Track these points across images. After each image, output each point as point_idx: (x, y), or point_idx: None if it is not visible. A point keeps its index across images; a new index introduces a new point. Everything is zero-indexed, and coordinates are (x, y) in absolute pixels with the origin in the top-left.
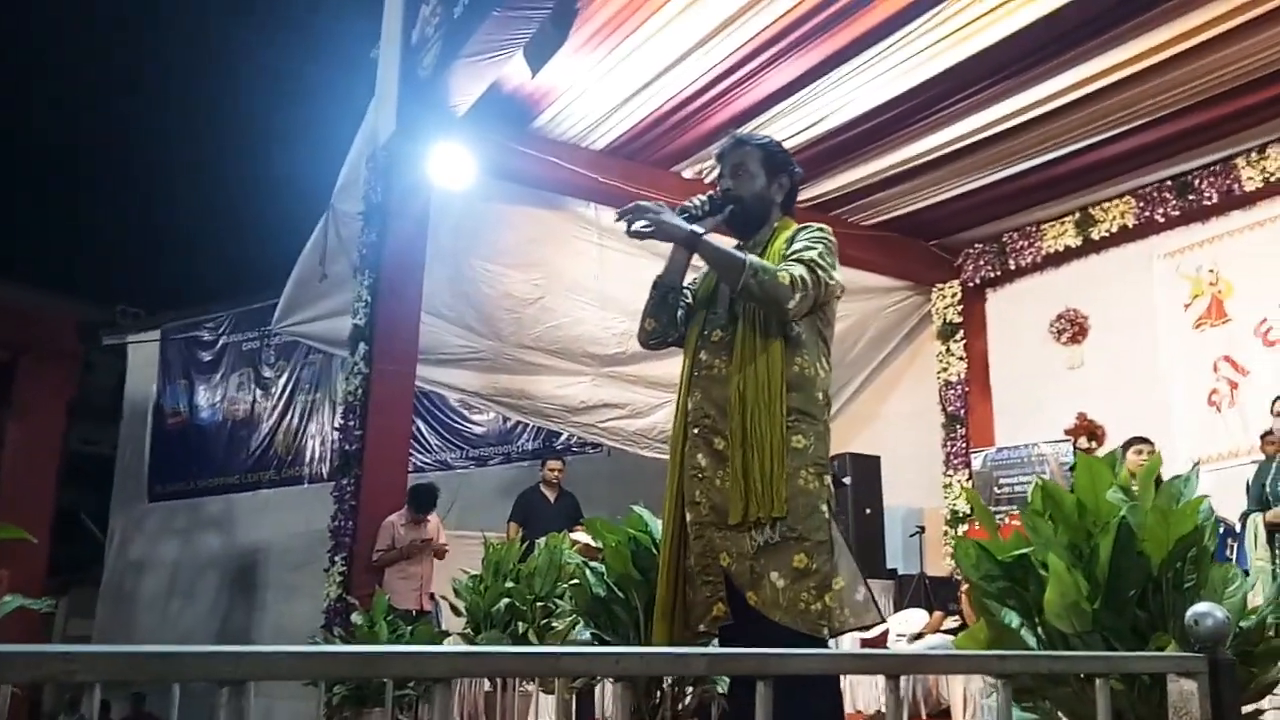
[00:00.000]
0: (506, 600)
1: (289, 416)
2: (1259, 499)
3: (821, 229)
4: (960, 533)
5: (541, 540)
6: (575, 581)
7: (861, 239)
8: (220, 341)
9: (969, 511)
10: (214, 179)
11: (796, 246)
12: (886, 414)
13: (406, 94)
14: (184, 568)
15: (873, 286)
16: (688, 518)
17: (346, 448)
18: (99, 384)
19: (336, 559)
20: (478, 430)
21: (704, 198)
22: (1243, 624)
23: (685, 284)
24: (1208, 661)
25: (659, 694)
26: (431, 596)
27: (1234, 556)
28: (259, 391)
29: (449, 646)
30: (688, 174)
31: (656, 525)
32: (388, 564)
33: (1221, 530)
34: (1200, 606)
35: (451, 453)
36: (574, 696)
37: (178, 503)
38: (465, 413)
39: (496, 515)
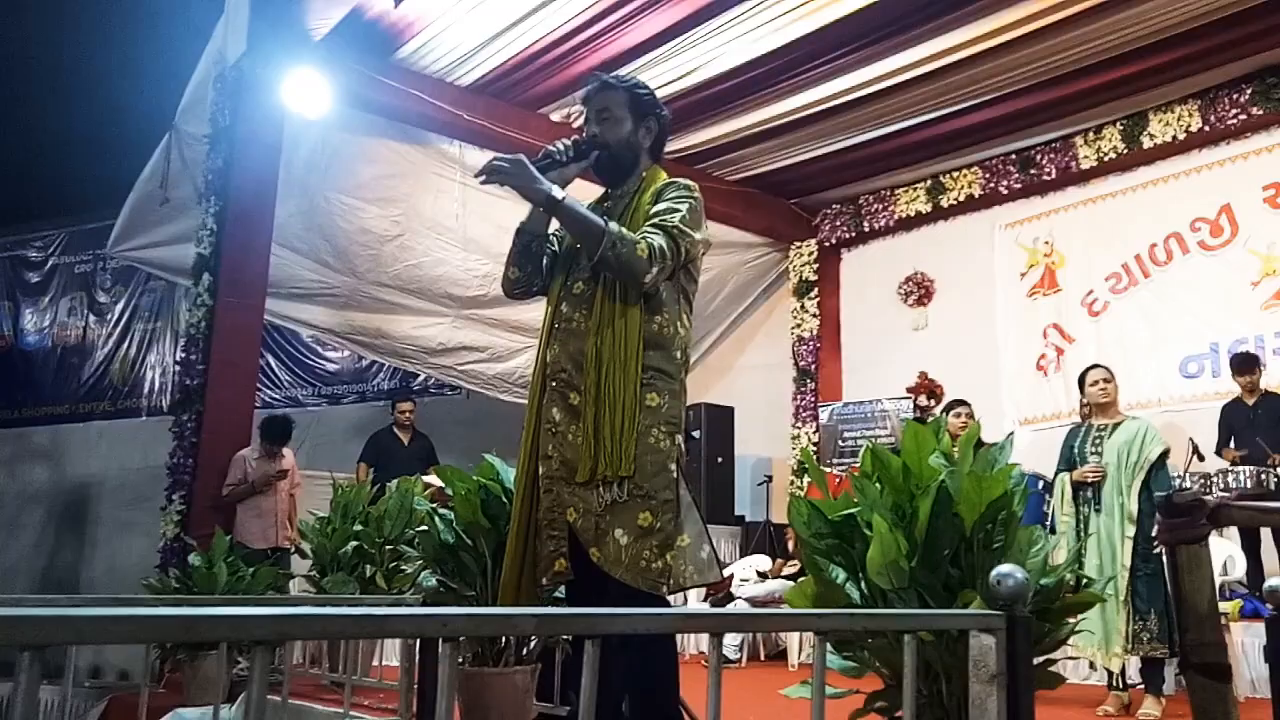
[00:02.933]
0: (355, 543)
1: (126, 345)
2: (1068, 460)
3: (689, 186)
4: (805, 483)
5: (393, 483)
6: (424, 528)
7: (725, 194)
8: (50, 262)
9: (814, 462)
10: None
11: (661, 207)
12: (741, 366)
13: (259, 13)
14: (6, 500)
15: (734, 242)
16: (540, 471)
17: (188, 382)
18: None
19: (174, 497)
20: (331, 367)
21: (569, 142)
22: (1043, 582)
23: (550, 231)
24: (1006, 619)
25: (503, 640)
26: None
27: (1050, 513)
28: (93, 317)
29: (271, 609)
30: (555, 116)
31: (508, 473)
32: (238, 499)
33: (1040, 487)
34: (1003, 568)
35: (303, 389)
36: (417, 641)
37: (1, 431)
38: (319, 349)
39: (349, 455)
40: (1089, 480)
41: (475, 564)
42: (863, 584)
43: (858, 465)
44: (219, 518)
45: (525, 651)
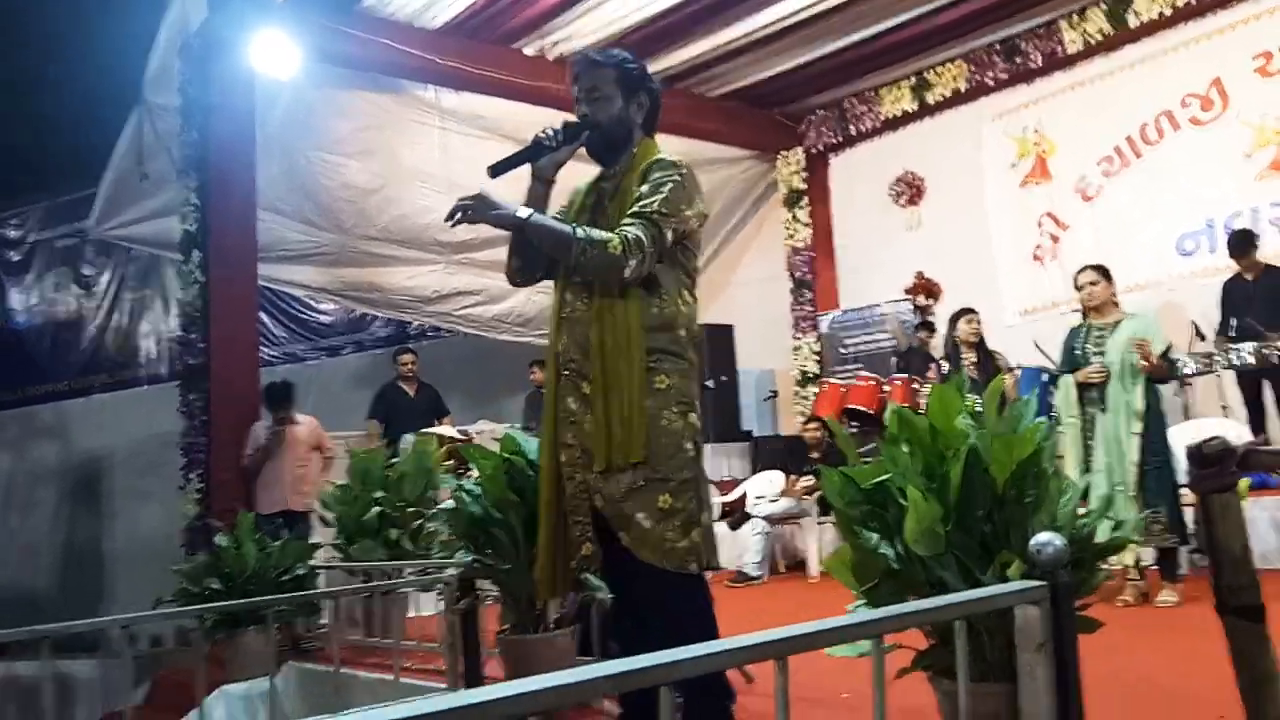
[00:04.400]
0: (378, 509)
1: (117, 316)
2: (1070, 361)
3: (674, 164)
4: (810, 393)
5: (407, 437)
6: (450, 503)
7: (708, 109)
8: (29, 239)
9: (817, 373)
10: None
11: (643, 189)
12: (737, 282)
13: None
14: (18, 480)
15: (720, 157)
16: (561, 458)
17: (190, 360)
18: None
19: (191, 476)
20: (325, 320)
21: (558, 127)
22: (1075, 533)
23: (551, 214)
24: (1049, 588)
25: (540, 604)
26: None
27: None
28: (80, 291)
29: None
30: (529, 50)
31: (530, 445)
32: (256, 467)
33: (1045, 378)
34: (1041, 536)
35: (300, 344)
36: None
37: (4, 413)
38: (311, 303)
39: (353, 407)
40: (1093, 381)
41: (507, 537)
42: (898, 546)
43: (863, 372)
44: (239, 492)
45: (562, 613)
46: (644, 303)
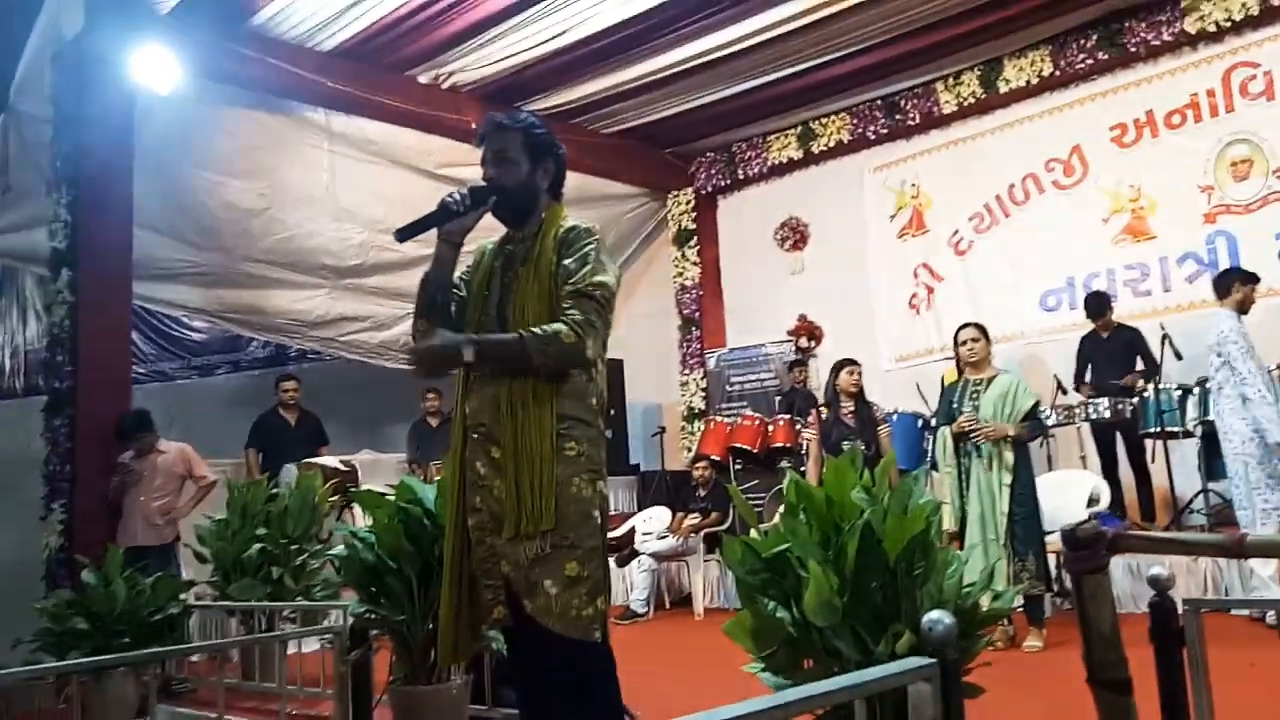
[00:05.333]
0: (259, 546)
1: None
2: (947, 414)
3: (588, 230)
4: (696, 429)
5: (290, 468)
6: (342, 549)
7: (601, 147)
8: None
9: (704, 409)
10: None
11: (570, 267)
12: (627, 316)
13: None
14: None
15: (612, 194)
16: (469, 522)
17: (55, 384)
18: None
19: (54, 505)
20: (198, 338)
21: (464, 191)
22: (959, 603)
23: (456, 276)
24: (939, 666)
25: (433, 652)
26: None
27: (929, 448)
28: None
29: None
30: (423, 79)
31: (426, 492)
32: (116, 500)
33: (920, 425)
34: (933, 614)
35: (170, 362)
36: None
37: None
38: (184, 319)
39: (228, 431)
40: (965, 429)
41: (401, 585)
42: (795, 612)
43: (747, 411)
44: (103, 525)
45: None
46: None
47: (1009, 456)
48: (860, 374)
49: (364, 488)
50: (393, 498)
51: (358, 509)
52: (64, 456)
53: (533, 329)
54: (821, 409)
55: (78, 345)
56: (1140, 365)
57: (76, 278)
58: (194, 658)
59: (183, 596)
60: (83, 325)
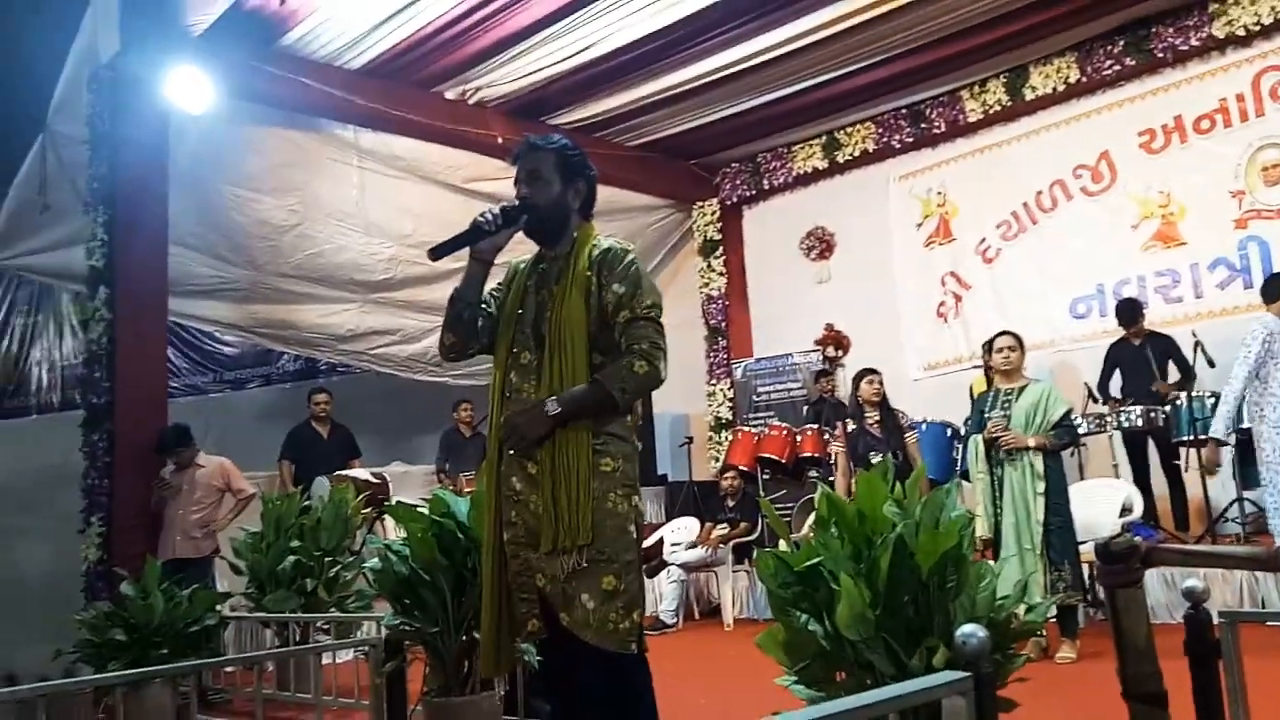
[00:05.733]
0: (293, 558)
1: (6, 341)
2: (978, 424)
3: (626, 252)
4: (723, 439)
5: (322, 480)
6: (377, 562)
7: (626, 160)
8: None
9: (731, 419)
10: None
11: (619, 292)
12: None
13: (131, 9)
14: None
15: (637, 205)
16: (505, 536)
17: (94, 400)
18: None
19: (93, 519)
20: (230, 352)
21: (497, 210)
22: (992, 616)
23: (486, 293)
24: (973, 679)
25: (467, 664)
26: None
27: (958, 458)
28: None
29: None
30: (450, 95)
31: (460, 505)
32: (155, 513)
33: (949, 434)
34: (966, 628)
35: (203, 376)
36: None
37: None
38: (216, 333)
39: (261, 444)
40: (996, 436)
41: (435, 598)
42: (827, 625)
43: (775, 421)
44: (143, 538)
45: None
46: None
47: (1039, 465)
48: (881, 382)
49: (395, 499)
50: (426, 510)
51: (388, 521)
52: (102, 470)
53: (608, 372)
54: (848, 421)
55: (115, 361)
56: (1174, 372)
57: (114, 295)
58: (230, 669)
59: (219, 608)
60: (120, 342)
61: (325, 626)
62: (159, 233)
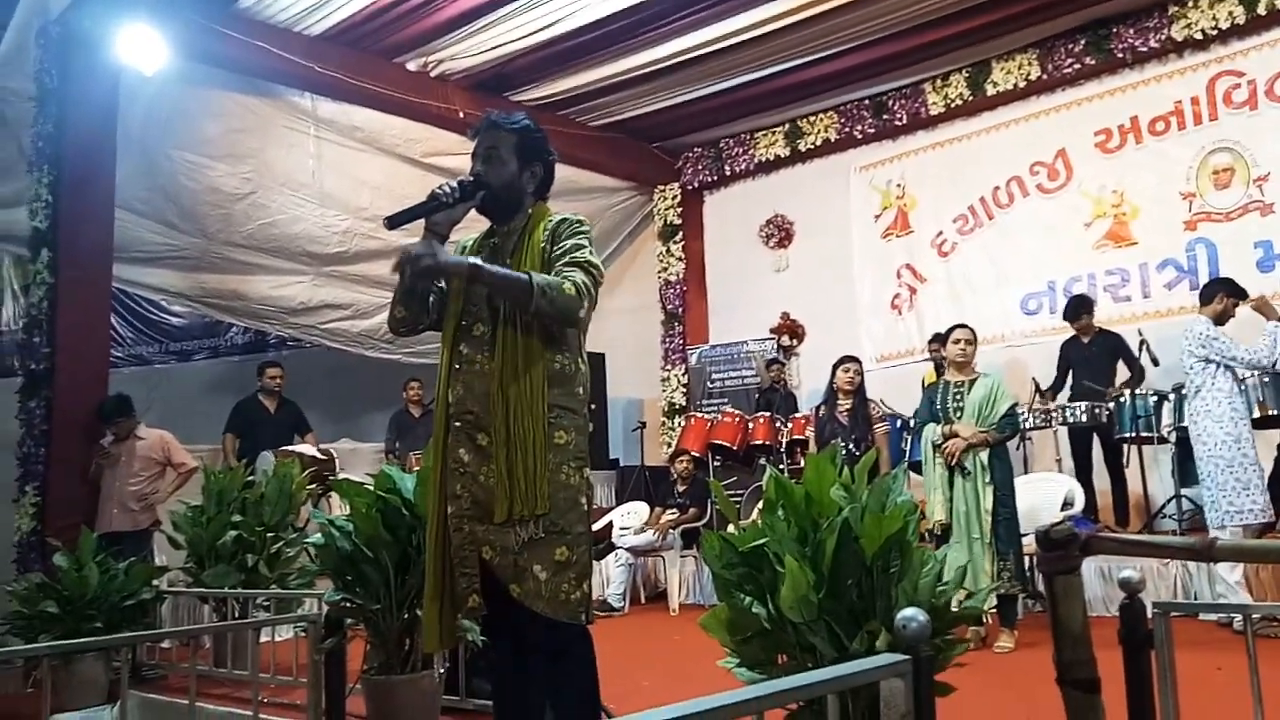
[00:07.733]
0: (234, 533)
1: None
2: (931, 414)
3: (580, 221)
4: (676, 425)
5: (267, 455)
6: (319, 538)
7: (589, 140)
8: None
9: (684, 405)
10: None
11: (566, 244)
12: (610, 310)
13: None
14: None
15: (598, 186)
16: (449, 510)
17: (32, 367)
18: None
19: (28, 488)
20: (177, 322)
21: (455, 184)
22: (934, 601)
23: None
24: (912, 662)
25: (408, 642)
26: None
27: (907, 449)
28: None
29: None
30: (412, 66)
31: (406, 482)
32: (94, 482)
33: (899, 425)
34: (907, 612)
35: (148, 346)
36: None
37: None
38: (163, 303)
39: (207, 418)
40: (947, 451)
41: (378, 575)
42: (770, 606)
43: (728, 408)
44: (77, 509)
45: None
46: (548, 358)
47: (984, 456)
48: (857, 372)
49: (342, 476)
50: (372, 487)
51: (335, 498)
52: (39, 439)
53: (540, 275)
54: (820, 407)
55: (55, 327)
56: (1123, 370)
57: (56, 258)
58: (166, 644)
59: (155, 582)
60: (61, 307)
61: (265, 603)
62: (106, 195)
